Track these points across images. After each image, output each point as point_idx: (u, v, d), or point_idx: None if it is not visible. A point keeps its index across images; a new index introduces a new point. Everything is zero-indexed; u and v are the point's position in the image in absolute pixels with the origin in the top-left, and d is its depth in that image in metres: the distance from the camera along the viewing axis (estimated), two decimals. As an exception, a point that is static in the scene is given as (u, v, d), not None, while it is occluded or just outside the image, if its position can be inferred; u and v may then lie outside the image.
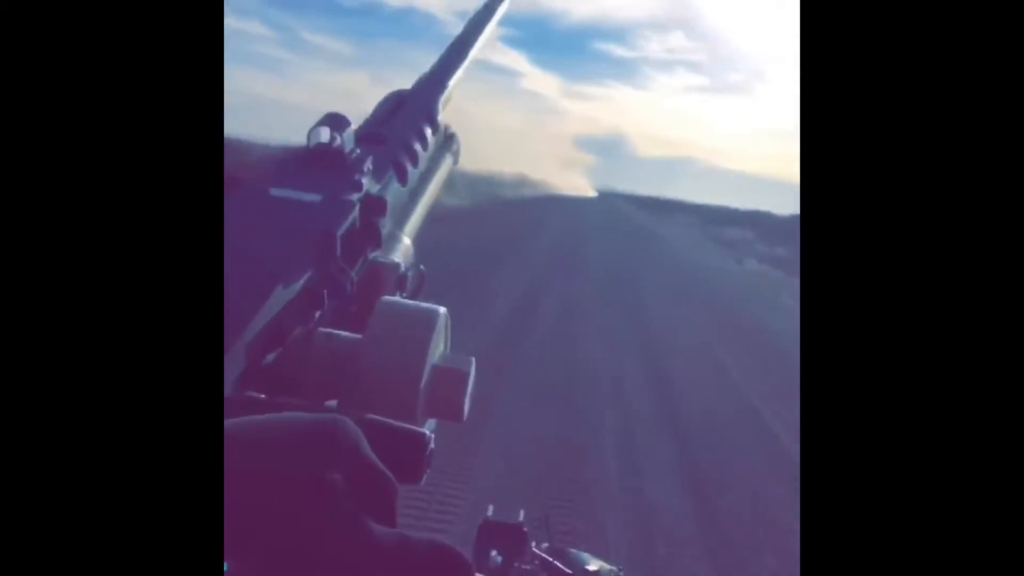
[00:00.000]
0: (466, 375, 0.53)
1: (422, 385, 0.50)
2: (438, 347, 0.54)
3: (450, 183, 0.88)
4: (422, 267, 0.67)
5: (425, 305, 0.55)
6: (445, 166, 0.85)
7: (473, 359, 0.55)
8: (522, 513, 1.12)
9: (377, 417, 0.45)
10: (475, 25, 0.92)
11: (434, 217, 0.82)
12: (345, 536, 0.36)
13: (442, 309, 0.54)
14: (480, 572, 0.90)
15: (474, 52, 0.89)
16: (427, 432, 0.48)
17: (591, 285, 12.33)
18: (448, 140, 0.87)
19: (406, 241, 0.71)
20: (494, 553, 1.10)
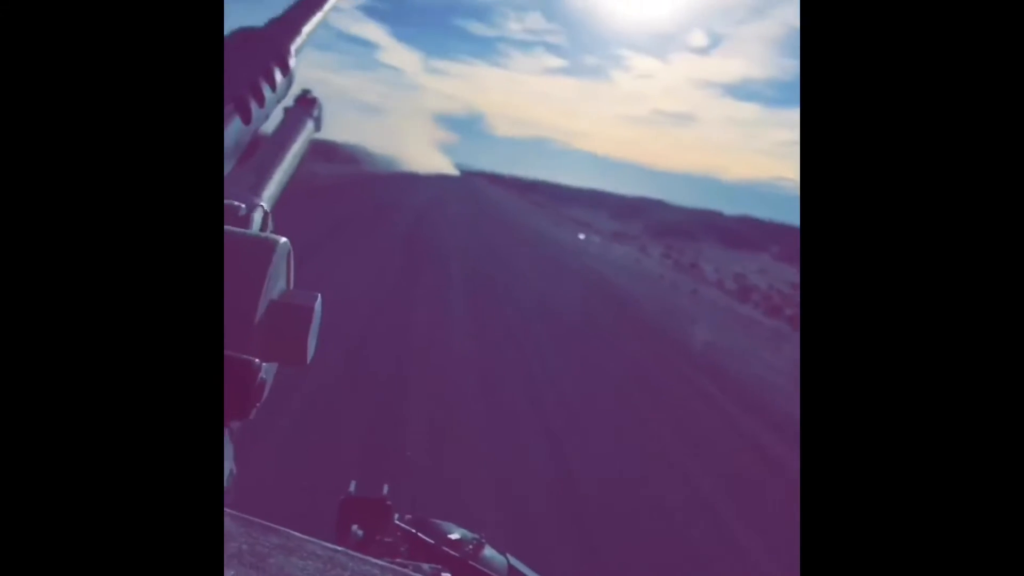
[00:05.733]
0: (310, 311, 0.49)
1: (256, 322, 0.46)
2: (277, 282, 0.49)
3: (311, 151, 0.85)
4: (265, 207, 0.61)
5: (263, 234, 0.50)
6: (306, 131, 0.81)
7: (319, 295, 0.50)
8: (386, 488, 1.12)
9: None
10: None
11: (301, 190, 0.79)
12: None
13: (282, 239, 0.49)
14: (342, 547, 0.91)
15: (332, 2, 0.81)
16: (255, 360, 0.44)
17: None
18: (309, 104, 0.82)
19: (264, 208, 0.69)
20: (355, 527, 1.10)
